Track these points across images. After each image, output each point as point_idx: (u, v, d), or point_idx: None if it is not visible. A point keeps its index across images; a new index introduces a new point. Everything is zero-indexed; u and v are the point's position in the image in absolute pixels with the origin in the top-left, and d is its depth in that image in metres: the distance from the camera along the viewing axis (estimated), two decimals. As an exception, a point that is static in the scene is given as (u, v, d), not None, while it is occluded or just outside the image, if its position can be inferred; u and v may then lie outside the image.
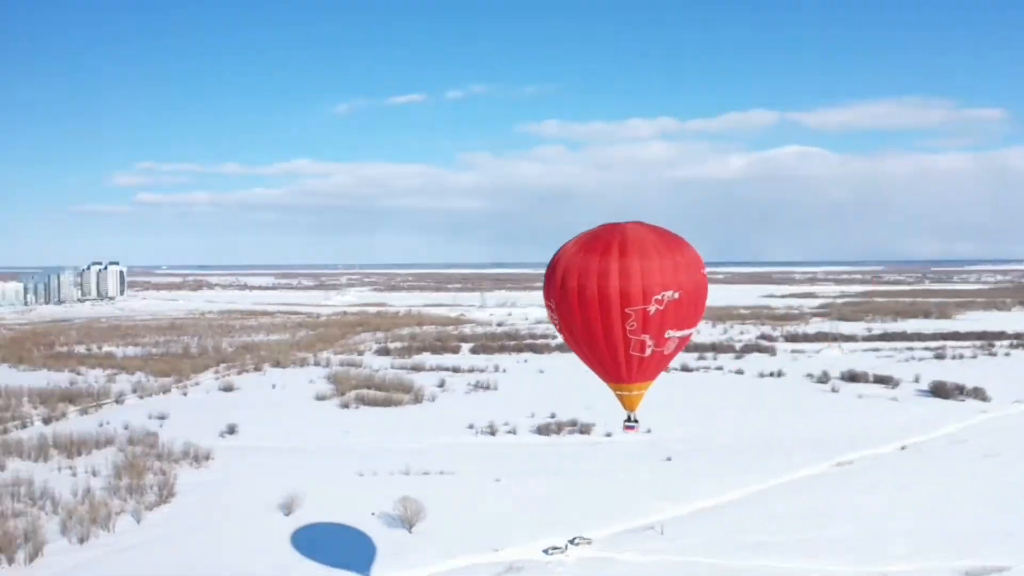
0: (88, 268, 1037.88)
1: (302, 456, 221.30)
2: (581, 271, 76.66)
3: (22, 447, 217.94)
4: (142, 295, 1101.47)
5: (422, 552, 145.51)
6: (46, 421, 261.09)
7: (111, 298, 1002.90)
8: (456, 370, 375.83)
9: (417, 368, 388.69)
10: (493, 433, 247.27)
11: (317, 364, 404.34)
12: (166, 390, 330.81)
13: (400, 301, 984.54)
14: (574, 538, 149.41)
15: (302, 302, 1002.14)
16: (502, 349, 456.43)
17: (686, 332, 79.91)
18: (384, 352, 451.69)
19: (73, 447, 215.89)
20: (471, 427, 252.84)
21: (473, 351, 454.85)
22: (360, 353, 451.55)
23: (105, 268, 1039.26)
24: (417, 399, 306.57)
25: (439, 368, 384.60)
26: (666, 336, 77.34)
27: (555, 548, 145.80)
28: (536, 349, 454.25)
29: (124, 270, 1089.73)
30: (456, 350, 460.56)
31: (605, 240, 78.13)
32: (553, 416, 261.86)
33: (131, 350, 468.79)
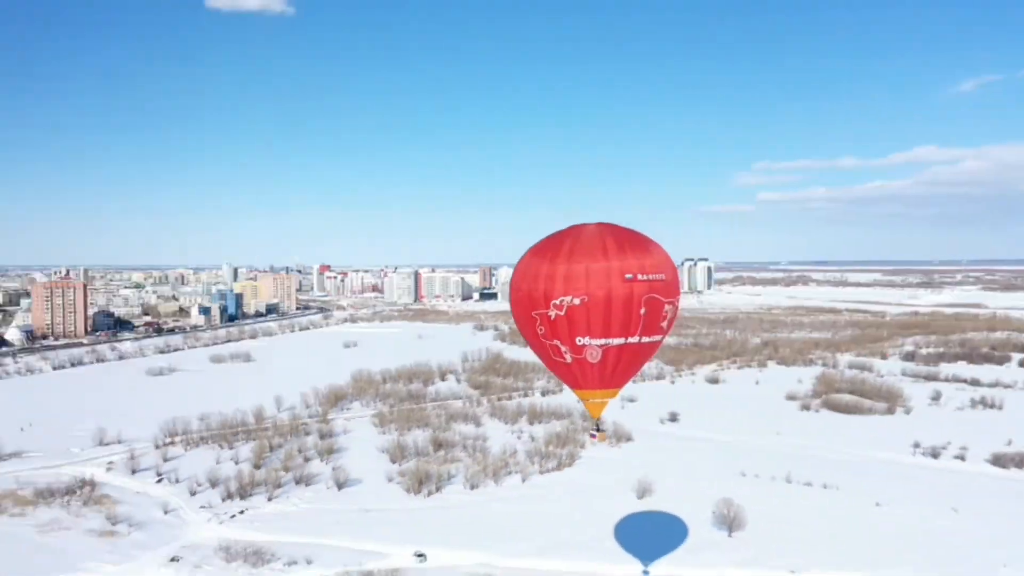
0: (682, 264, 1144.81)
1: (710, 446, 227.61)
2: (521, 275, 77.54)
3: (504, 412, 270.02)
4: (727, 289, 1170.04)
5: (719, 554, 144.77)
6: (543, 393, 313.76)
7: (699, 292, 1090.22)
8: (975, 383, 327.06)
9: (931, 377, 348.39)
10: (936, 456, 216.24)
11: (824, 364, 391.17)
12: (661, 376, 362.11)
13: (1007, 302, 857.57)
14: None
15: (886, 300, 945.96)
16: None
17: (619, 341, 72.95)
18: (909, 357, 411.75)
19: (526, 416, 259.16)
20: (917, 445, 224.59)
21: (1021, 364, 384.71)
22: (884, 357, 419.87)
23: (695, 264, 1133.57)
24: (891, 409, 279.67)
25: (956, 379, 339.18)
26: (579, 343, 72.17)
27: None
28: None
29: (712, 265, 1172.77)
30: (1001, 361, 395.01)
31: (554, 245, 76.58)
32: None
33: (671, 339, 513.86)
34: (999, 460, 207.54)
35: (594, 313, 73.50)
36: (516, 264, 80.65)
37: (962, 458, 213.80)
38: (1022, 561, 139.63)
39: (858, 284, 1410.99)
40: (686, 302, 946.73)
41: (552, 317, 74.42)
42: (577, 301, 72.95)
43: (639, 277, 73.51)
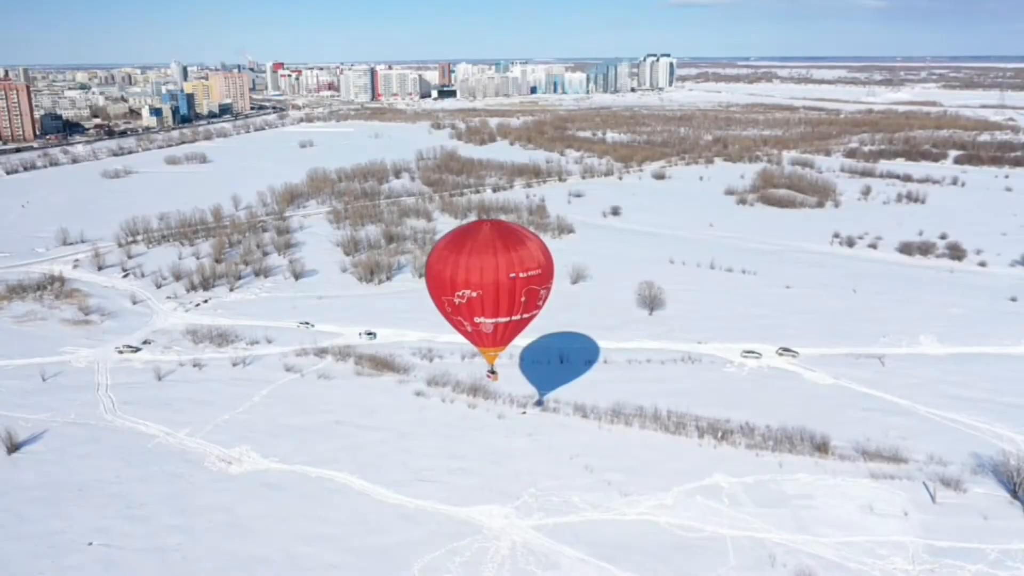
0: (644, 60, 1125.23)
1: (646, 238, 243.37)
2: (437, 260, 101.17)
3: (455, 207, 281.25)
4: (688, 86, 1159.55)
5: (639, 330, 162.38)
6: (494, 190, 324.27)
7: (660, 89, 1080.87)
8: (907, 179, 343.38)
9: (867, 173, 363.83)
10: (851, 245, 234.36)
11: (769, 161, 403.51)
12: (609, 173, 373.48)
13: (962, 100, 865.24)
14: (782, 349, 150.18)
15: (845, 98, 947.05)
16: (993, 161, 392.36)
17: (505, 319, 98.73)
18: (851, 154, 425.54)
19: (475, 212, 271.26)
20: (836, 237, 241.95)
21: (957, 161, 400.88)
22: (828, 154, 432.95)
23: (657, 60, 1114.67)
24: (821, 203, 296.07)
25: (890, 175, 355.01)
26: (477, 321, 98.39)
27: (751, 353, 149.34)
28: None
29: (673, 62, 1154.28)
30: (937, 158, 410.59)
31: (459, 241, 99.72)
32: (944, 237, 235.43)
33: (624, 137, 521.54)
34: (906, 248, 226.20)
35: (487, 302, 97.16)
36: (430, 251, 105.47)
37: (874, 247, 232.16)
38: (899, 333, 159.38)
39: (822, 81, 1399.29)
40: (646, 100, 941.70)
41: (456, 303, 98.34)
42: (475, 294, 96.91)
43: (520, 275, 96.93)
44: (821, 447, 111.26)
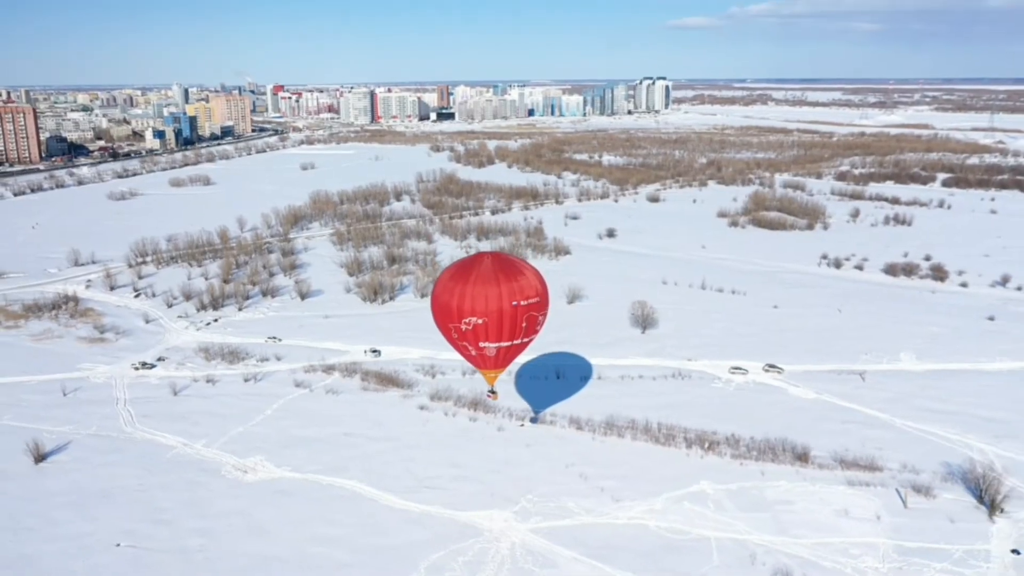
0: (640, 83, 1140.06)
1: (640, 260, 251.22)
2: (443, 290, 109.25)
3: (454, 230, 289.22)
4: (684, 109, 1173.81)
5: (632, 348, 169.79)
6: (493, 212, 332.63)
7: (656, 111, 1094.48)
8: (895, 202, 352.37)
9: (856, 196, 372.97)
10: (839, 266, 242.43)
11: (761, 184, 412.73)
12: (605, 195, 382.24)
13: (954, 123, 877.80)
14: (768, 365, 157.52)
15: (839, 120, 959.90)
16: (980, 184, 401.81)
17: (507, 344, 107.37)
18: (842, 177, 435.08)
19: (475, 234, 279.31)
20: (824, 258, 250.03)
21: (944, 184, 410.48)
22: (819, 177, 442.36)
23: (653, 83, 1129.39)
24: (811, 225, 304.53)
25: (878, 198, 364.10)
26: (481, 346, 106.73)
27: (738, 369, 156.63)
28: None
29: (669, 84, 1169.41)
30: (926, 181, 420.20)
31: (464, 272, 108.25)
32: (928, 258, 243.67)
33: (620, 159, 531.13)
34: (891, 269, 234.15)
35: (491, 328, 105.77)
36: (436, 281, 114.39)
37: (860, 268, 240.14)
38: (880, 350, 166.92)
39: (816, 103, 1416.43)
40: (642, 122, 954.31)
41: (463, 329, 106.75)
42: (480, 321, 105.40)
43: (521, 303, 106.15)
44: (802, 456, 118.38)
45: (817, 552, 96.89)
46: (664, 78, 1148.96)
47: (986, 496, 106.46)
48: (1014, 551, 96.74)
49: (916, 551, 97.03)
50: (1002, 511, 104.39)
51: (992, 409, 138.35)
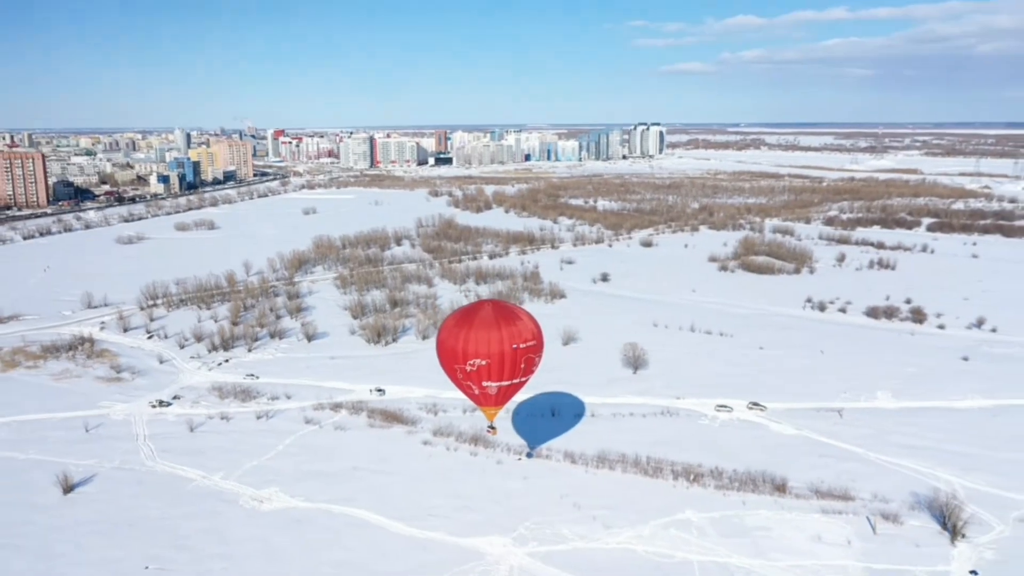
0: (635, 128, 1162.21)
1: (632, 303, 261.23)
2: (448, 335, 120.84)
3: (454, 274, 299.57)
4: (678, 154, 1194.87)
5: (623, 387, 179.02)
6: (491, 257, 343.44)
7: (650, 156, 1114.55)
8: (880, 246, 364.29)
9: (843, 241, 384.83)
10: (823, 309, 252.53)
11: (751, 229, 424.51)
12: (600, 240, 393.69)
13: (942, 168, 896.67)
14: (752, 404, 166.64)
15: (830, 165, 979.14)
16: (964, 228, 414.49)
17: (507, 383, 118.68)
18: (830, 222, 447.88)
19: (473, 278, 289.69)
20: (809, 301, 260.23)
21: (929, 228, 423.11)
22: (808, 222, 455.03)
23: (648, 128, 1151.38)
24: (798, 270, 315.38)
25: (864, 243, 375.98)
26: (484, 385, 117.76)
27: (723, 407, 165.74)
28: (1008, 232, 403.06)
29: (663, 130, 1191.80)
30: (911, 226, 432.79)
31: (467, 318, 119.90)
32: (908, 301, 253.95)
33: (614, 204, 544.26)
34: (872, 312, 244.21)
35: (494, 369, 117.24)
36: (440, 327, 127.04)
37: (844, 311, 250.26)
38: (857, 389, 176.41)
39: (808, 148, 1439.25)
40: (637, 167, 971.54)
41: (468, 370, 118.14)
42: (484, 362, 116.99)
43: (520, 346, 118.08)
44: (780, 487, 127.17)
45: (792, 573, 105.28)
46: (658, 123, 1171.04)
47: (949, 522, 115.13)
48: (972, 572, 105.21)
49: (883, 572, 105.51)
50: (963, 536, 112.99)
51: (961, 444, 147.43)
